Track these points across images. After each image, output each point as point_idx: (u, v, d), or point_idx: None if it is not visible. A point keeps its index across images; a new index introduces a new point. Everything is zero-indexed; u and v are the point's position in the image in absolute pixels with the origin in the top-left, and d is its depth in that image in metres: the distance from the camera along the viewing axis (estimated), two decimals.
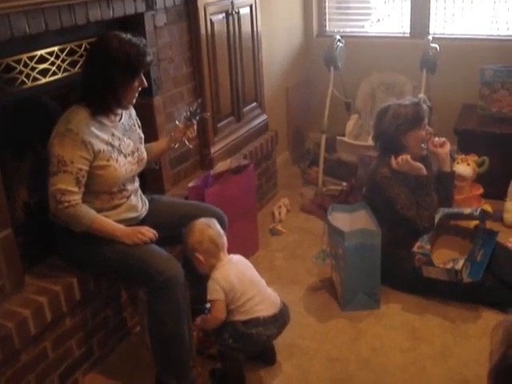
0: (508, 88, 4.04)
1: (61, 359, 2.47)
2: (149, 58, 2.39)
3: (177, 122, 2.85)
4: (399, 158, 3.02)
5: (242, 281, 2.45)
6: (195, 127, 2.80)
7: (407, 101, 3.18)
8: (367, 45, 4.78)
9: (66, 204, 2.28)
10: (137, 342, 2.82)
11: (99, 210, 2.41)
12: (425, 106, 3.13)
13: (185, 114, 2.80)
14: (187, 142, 2.82)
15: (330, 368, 2.63)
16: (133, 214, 2.55)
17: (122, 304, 2.82)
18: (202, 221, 2.52)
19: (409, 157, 3.01)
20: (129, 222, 2.51)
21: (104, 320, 2.70)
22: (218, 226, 2.53)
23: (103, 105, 2.38)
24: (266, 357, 2.66)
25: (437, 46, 4.10)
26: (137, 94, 2.47)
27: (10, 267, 2.28)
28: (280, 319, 2.50)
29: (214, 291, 2.42)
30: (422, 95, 3.49)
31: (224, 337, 2.44)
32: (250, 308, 2.43)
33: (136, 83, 2.40)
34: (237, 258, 2.56)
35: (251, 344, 2.45)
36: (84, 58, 2.51)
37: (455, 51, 4.39)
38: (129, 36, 2.36)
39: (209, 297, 2.42)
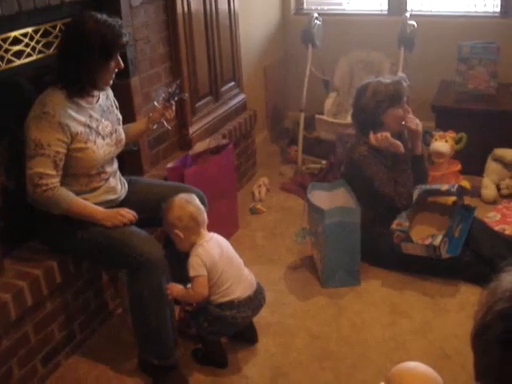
0: (485, 64, 4.05)
1: (42, 343, 2.46)
2: (125, 39, 2.37)
3: (155, 103, 2.83)
4: (379, 135, 3.04)
5: (222, 259, 2.44)
6: (174, 108, 2.78)
7: (387, 79, 3.19)
8: (345, 22, 4.76)
9: (44, 187, 2.27)
10: (118, 324, 2.82)
11: (78, 193, 2.39)
12: (404, 84, 3.14)
13: (163, 95, 2.78)
14: (166, 123, 2.80)
15: (312, 345, 2.66)
16: (112, 196, 2.54)
17: (102, 286, 2.81)
18: (182, 196, 2.48)
19: (389, 134, 3.03)
20: (108, 204, 2.50)
21: (85, 302, 2.69)
22: (198, 202, 2.50)
23: (79, 87, 2.35)
24: (248, 335, 2.67)
25: (414, 23, 4.10)
26: (113, 76, 2.45)
27: None
28: (255, 301, 2.50)
29: (198, 266, 2.38)
30: (401, 74, 3.50)
31: (199, 320, 2.45)
32: (226, 289, 2.42)
33: (112, 64, 2.38)
34: (217, 236, 2.54)
35: (226, 326, 2.46)
36: (59, 39, 2.47)
37: (433, 28, 4.40)
38: (104, 17, 2.33)
39: (191, 273, 2.38)
